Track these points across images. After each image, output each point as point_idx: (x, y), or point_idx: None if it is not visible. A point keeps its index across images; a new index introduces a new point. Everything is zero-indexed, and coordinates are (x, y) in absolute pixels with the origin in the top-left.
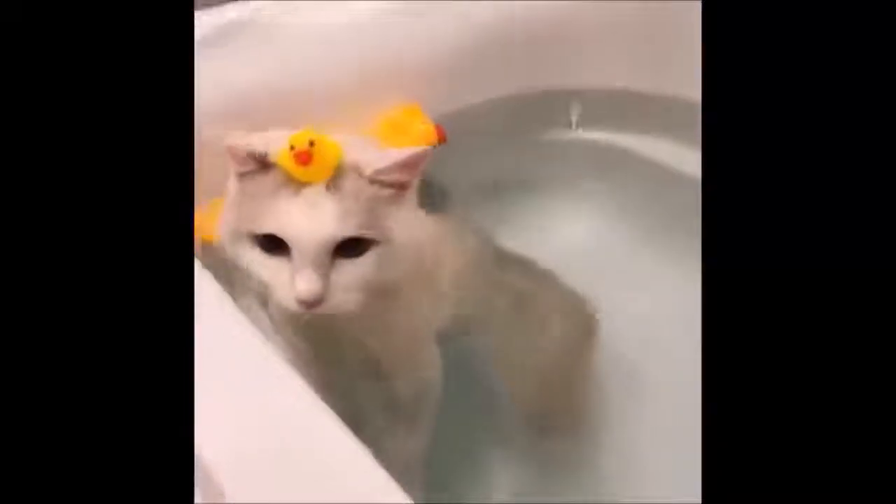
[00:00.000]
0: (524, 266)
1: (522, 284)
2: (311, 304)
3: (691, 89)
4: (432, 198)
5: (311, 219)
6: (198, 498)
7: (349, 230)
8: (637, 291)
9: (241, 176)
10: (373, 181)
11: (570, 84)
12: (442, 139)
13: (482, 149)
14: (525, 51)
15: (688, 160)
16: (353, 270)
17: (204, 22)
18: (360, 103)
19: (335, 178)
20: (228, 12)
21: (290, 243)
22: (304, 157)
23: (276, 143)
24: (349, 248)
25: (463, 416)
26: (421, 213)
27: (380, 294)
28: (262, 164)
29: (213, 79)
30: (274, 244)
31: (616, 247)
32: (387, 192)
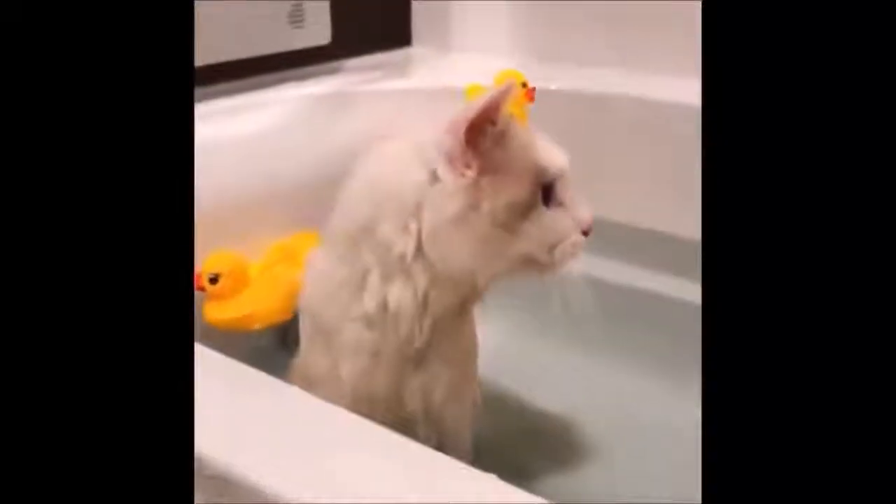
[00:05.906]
0: None
1: None
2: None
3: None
4: None
5: (558, 147)
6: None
7: None
8: None
9: (470, 165)
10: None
11: None
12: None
13: None
14: None
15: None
16: None
17: None
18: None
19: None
20: None
21: (560, 178)
22: (533, 90)
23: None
24: None
25: None
26: None
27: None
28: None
29: None
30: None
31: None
32: None
